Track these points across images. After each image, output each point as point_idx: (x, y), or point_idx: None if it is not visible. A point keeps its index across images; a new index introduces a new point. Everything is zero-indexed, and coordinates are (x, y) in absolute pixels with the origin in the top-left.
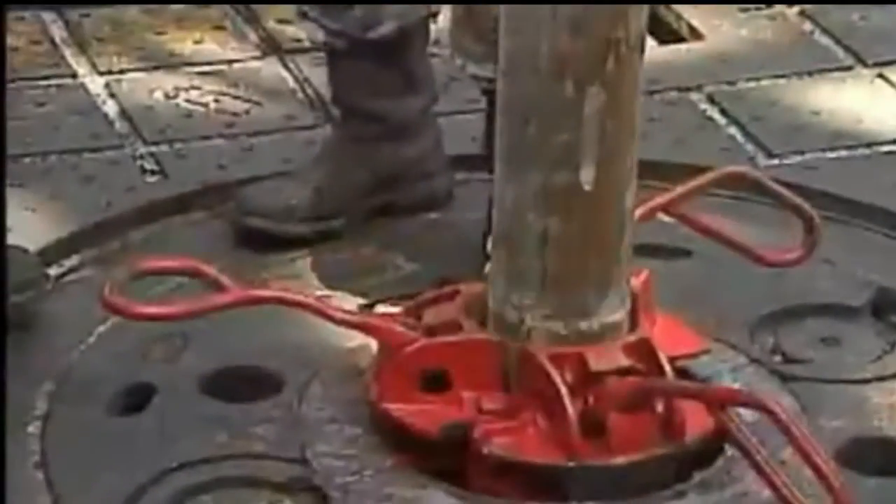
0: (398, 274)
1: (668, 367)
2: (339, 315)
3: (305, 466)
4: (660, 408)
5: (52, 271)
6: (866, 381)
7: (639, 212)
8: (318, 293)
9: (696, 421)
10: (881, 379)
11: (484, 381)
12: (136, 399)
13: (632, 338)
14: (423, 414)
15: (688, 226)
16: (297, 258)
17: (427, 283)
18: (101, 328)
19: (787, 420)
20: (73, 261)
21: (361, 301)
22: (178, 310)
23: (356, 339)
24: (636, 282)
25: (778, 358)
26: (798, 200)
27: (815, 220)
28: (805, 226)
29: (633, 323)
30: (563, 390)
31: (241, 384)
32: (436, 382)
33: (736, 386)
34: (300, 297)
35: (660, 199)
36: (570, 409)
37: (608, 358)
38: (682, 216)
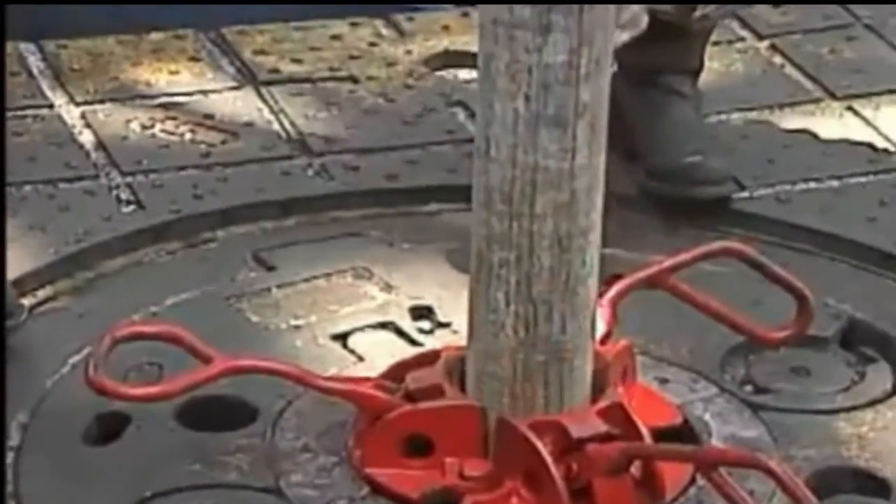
0: (373, 303)
1: (644, 431)
2: (322, 383)
3: (279, 496)
4: (636, 469)
5: (27, 301)
6: (836, 412)
7: (626, 282)
8: (293, 322)
9: (673, 476)
10: (851, 409)
11: (465, 447)
12: (111, 428)
13: (604, 403)
14: (405, 479)
15: (676, 297)
16: (272, 286)
17: (398, 311)
18: (76, 358)
19: (789, 480)
20: (48, 291)
21: (336, 331)
22: (163, 389)
23: (332, 368)
24: (609, 350)
25: (749, 388)
26: (791, 279)
27: (808, 298)
28: (798, 304)
29: (599, 389)
30: (549, 460)
31: (216, 413)
32: (418, 447)
33: (726, 443)
34: (283, 367)
35: (648, 271)
36: (558, 479)
37: (587, 425)
38: (671, 287)
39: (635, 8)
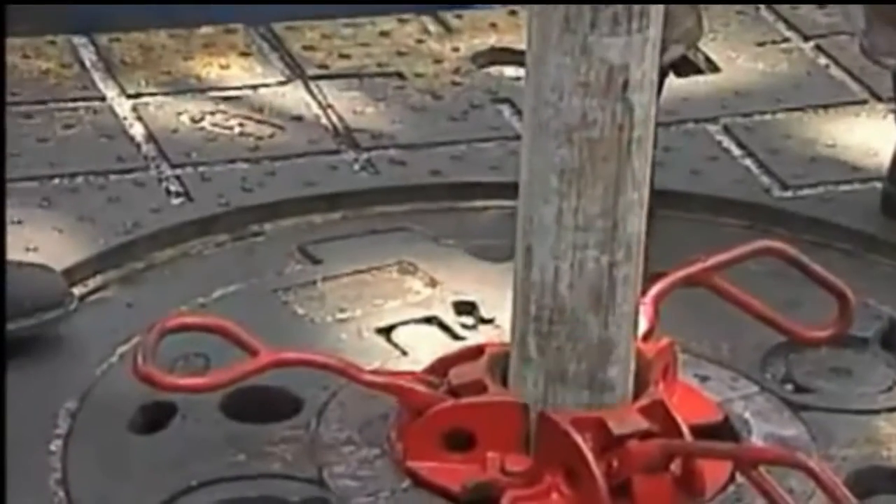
0: (417, 298)
1: (685, 428)
2: (366, 377)
3: (322, 487)
4: (676, 467)
5: (77, 290)
6: (876, 412)
7: (668, 280)
8: (338, 315)
9: (713, 474)
10: (891, 410)
11: (507, 442)
12: (157, 418)
13: (646, 400)
14: (447, 472)
15: (719, 295)
16: (317, 279)
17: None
18: (124, 347)
19: (829, 479)
20: (97, 280)
21: (381, 324)
22: (210, 381)
23: (375, 361)
24: (651, 348)
25: (789, 387)
26: (832, 279)
27: (849, 298)
28: (839, 304)
29: (640, 386)
30: (590, 456)
31: (260, 405)
32: (459, 441)
33: (766, 442)
34: (327, 360)
35: (690, 269)
36: (599, 475)
37: (629, 422)
38: (713, 285)
39: (689, 23)
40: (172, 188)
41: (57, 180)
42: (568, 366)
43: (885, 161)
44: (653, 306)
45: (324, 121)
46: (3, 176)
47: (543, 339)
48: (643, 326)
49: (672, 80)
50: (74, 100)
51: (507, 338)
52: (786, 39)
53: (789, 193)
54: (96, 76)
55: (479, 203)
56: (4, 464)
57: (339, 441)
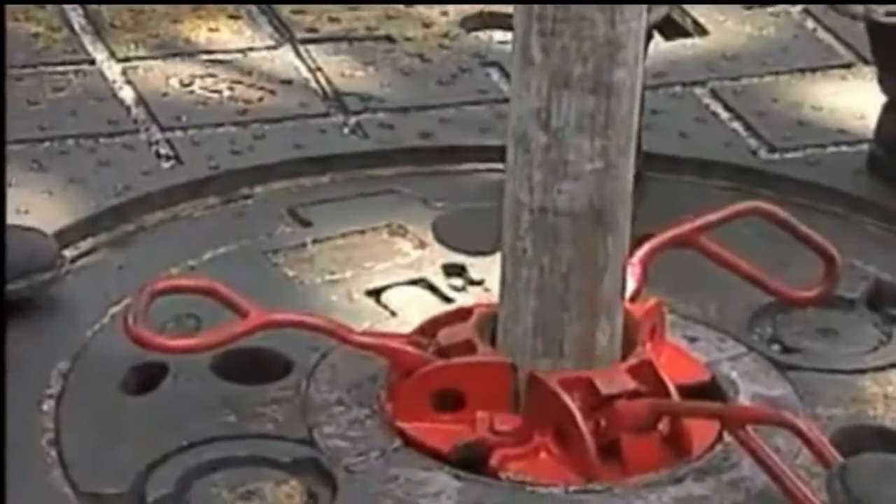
0: (406, 260)
1: (672, 388)
2: (356, 338)
3: (312, 447)
4: (664, 426)
5: (68, 253)
6: (863, 372)
7: (656, 241)
8: (328, 277)
9: (700, 433)
10: (877, 369)
11: (496, 401)
12: (148, 379)
13: (634, 360)
14: (436, 432)
15: (706, 256)
16: (307, 242)
17: (432, 268)
18: (115, 309)
19: (815, 438)
20: (88, 243)
21: (371, 286)
22: (201, 341)
23: (365, 322)
24: (639, 308)
25: (776, 347)
26: (819, 239)
27: (836, 259)
28: (826, 265)
29: (628, 347)
30: (578, 416)
31: (251, 366)
32: (449, 402)
33: (753, 402)
34: (318, 321)
35: (678, 230)
36: (587, 434)
37: (617, 381)
38: (701, 246)
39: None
40: (162, 151)
41: (47, 143)
42: (573, 67)
43: (872, 123)
44: (641, 267)
45: (313, 84)
46: (3, 174)
47: (547, 40)
48: (631, 287)
49: (659, 44)
50: (64, 63)
51: (496, 299)
52: (773, 2)
53: (776, 156)
54: (86, 39)
55: (468, 166)
56: (4, 461)
57: (330, 402)
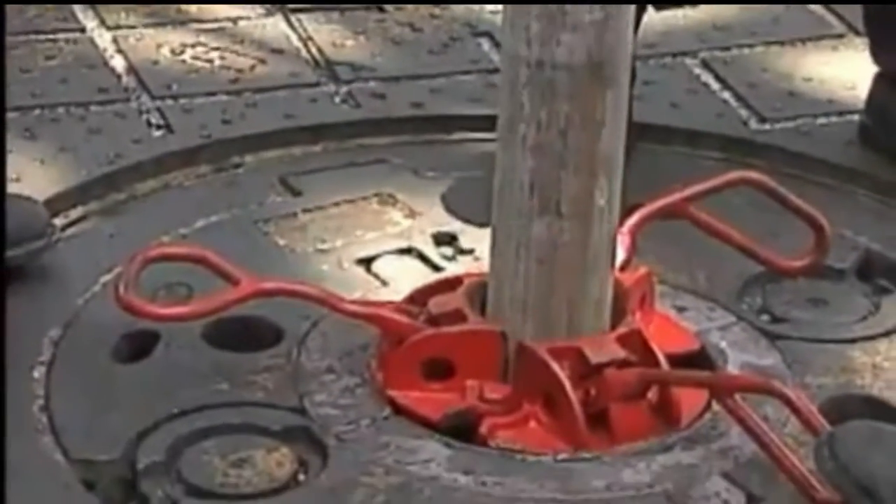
0: (397, 229)
1: (661, 357)
2: (346, 306)
3: (303, 415)
4: (653, 395)
5: (59, 221)
6: (852, 341)
7: (645, 211)
8: (319, 246)
9: (689, 402)
10: (866, 339)
11: (486, 370)
12: (139, 346)
13: (623, 329)
14: (426, 401)
15: (696, 226)
16: (298, 211)
17: (422, 237)
18: (106, 277)
19: (804, 406)
20: (79, 211)
21: (361, 255)
22: (192, 309)
23: (356, 291)
24: (628, 277)
25: (765, 317)
26: (809, 209)
27: (825, 228)
28: (815, 234)
29: (617, 316)
30: (567, 384)
31: (242, 334)
32: (439, 370)
33: (742, 371)
34: (308, 290)
35: (667, 200)
36: (576, 403)
37: (606, 350)
38: (690, 216)
39: None
40: (153, 120)
41: (38, 111)
42: None
43: (863, 94)
44: (630, 237)
45: (304, 53)
46: (3, 173)
47: None
48: (621, 257)
49: (651, 14)
50: (55, 31)
51: (486, 268)
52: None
53: (767, 126)
54: (76, 8)
55: (459, 135)
56: (4, 465)
57: (321, 370)
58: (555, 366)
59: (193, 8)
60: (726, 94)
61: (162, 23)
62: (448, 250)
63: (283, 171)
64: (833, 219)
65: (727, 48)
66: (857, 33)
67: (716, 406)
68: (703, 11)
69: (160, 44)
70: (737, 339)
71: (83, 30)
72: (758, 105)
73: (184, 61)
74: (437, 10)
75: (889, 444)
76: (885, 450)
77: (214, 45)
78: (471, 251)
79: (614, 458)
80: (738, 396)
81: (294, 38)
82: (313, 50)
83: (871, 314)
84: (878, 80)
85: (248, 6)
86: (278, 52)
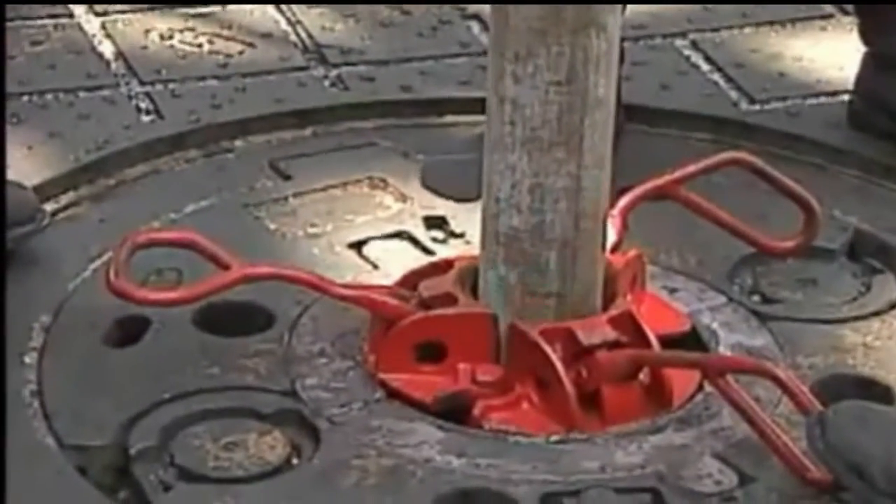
0: (387, 212)
1: (653, 339)
2: (337, 290)
3: (295, 398)
4: (645, 377)
5: (49, 207)
6: (842, 321)
7: (636, 192)
8: (310, 230)
9: (681, 383)
10: (856, 319)
11: (478, 353)
12: (130, 331)
13: (614, 311)
14: (419, 383)
15: (687, 207)
16: (288, 195)
17: (413, 221)
18: (97, 262)
19: (795, 387)
20: (69, 197)
21: (352, 239)
22: (182, 294)
23: (347, 275)
24: (619, 259)
25: (756, 298)
26: (798, 189)
27: (815, 209)
28: (805, 215)
29: (609, 298)
30: (559, 366)
31: (233, 318)
32: (431, 353)
33: (733, 352)
34: (300, 274)
35: (658, 182)
36: (568, 384)
37: (598, 332)
38: (681, 197)
39: None
40: (142, 105)
41: (26, 97)
42: None
43: (852, 74)
44: (621, 219)
45: (293, 37)
46: (3, 172)
47: None
48: (612, 238)
49: None
50: (43, 17)
51: (476, 251)
52: None
53: (757, 107)
54: None
55: (448, 119)
56: (4, 467)
57: (312, 354)
58: (546, 347)
59: None
60: (716, 76)
61: (150, 7)
62: (439, 233)
63: (272, 156)
64: (823, 199)
65: (716, 29)
66: (846, 13)
67: (707, 387)
68: None
69: (149, 29)
70: (728, 320)
71: (71, 15)
72: (747, 86)
73: (172, 46)
74: None
75: (879, 424)
76: (876, 429)
77: (203, 29)
78: (461, 234)
79: (606, 440)
80: (729, 377)
81: (283, 21)
82: (302, 34)
83: (861, 294)
84: (867, 60)
85: None
86: (267, 36)
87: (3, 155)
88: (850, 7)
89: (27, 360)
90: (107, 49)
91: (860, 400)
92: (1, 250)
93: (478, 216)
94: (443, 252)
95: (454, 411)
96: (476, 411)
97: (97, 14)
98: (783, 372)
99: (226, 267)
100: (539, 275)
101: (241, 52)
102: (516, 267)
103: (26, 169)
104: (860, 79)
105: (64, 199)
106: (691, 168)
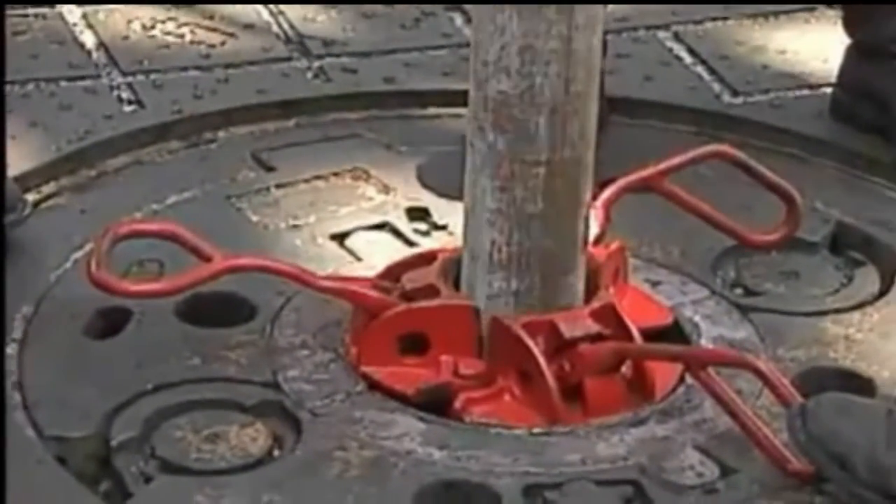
0: (370, 204)
1: (635, 332)
2: (320, 282)
3: (277, 390)
4: (627, 369)
5: (31, 197)
6: (824, 314)
7: (619, 185)
8: (292, 221)
9: (663, 375)
10: (838, 311)
11: (460, 345)
12: (112, 323)
13: (596, 304)
14: (401, 376)
15: (669, 200)
16: (271, 186)
17: (396, 212)
18: (78, 253)
19: (776, 379)
20: (50, 187)
21: (335, 230)
22: (164, 286)
23: (329, 267)
24: (602, 252)
25: (738, 290)
26: (780, 182)
27: (797, 201)
28: (787, 207)
29: (591, 290)
30: (541, 359)
31: (215, 310)
32: (413, 345)
33: (715, 344)
34: (282, 265)
35: (641, 174)
36: (550, 377)
37: (579, 325)
38: (663, 190)
39: None
40: (124, 95)
41: (8, 87)
42: None
43: (835, 67)
44: (604, 211)
45: (275, 28)
46: (3, 171)
47: None
48: (594, 231)
49: None
50: (24, 6)
51: (459, 243)
52: None
53: (740, 100)
54: None
55: (431, 110)
56: (4, 469)
57: (294, 345)
58: (529, 340)
59: None
60: (699, 68)
61: None
62: (422, 225)
63: (255, 147)
64: (805, 192)
65: (700, 21)
66: (830, 5)
67: (689, 379)
68: None
69: (130, 19)
70: (710, 313)
71: (52, 4)
72: (731, 78)
73: (154, 37)
74: None
75: (861, 414)
76: (857, 420)
77: (185, 20)
78: (444, 226)
79: (589, 432)
80: (711, 370)
81: (265, 12)
82: (284, 25)
83: (843, 286)
84: (851, 52)
85: None
86: (249, 26)
87: (3, 154)
88: None
89: (9, 350)
90: (88, 39)
91: (842, 392)
92: (0, 247)
93: (460, 207)
94: (426, 243)
95: (436, 403)
96: (458, 404)
97: (79, 4)
98: (765, 364)
99: (208, 258)
100: (528, 142)
101: (223, 43)
102: (505, 133)
103: (8, 159)
104: (843, 70)
105: (46, 190)
106: (674, 160)
